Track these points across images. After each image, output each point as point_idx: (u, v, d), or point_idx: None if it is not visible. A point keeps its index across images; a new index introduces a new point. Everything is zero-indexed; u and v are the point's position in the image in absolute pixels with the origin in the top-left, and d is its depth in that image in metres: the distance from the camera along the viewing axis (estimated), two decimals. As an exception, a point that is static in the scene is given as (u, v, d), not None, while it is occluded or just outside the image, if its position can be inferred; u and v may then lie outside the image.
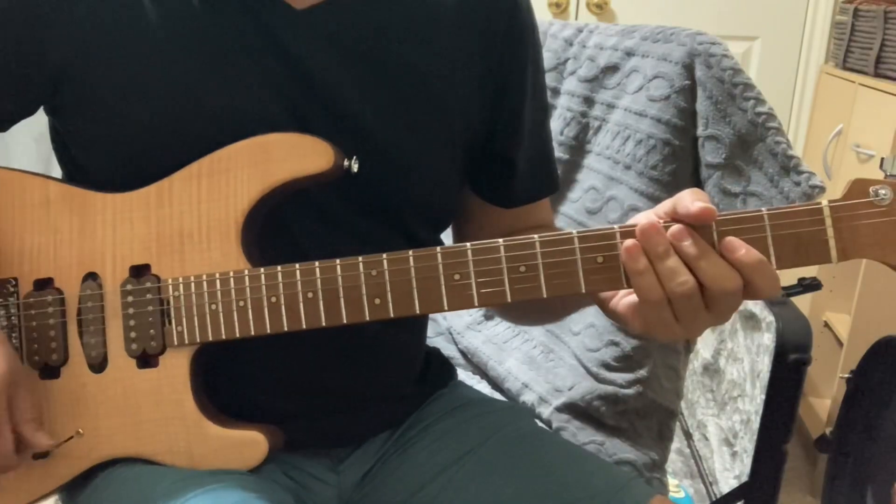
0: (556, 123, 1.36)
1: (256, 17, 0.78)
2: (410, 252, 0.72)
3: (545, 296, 0.70)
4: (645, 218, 0.68)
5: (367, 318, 0.73)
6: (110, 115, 0.78)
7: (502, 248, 0.71)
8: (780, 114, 1.12)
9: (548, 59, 1.39)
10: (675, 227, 0.66)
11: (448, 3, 0.83)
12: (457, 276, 0.71)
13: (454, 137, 0.85)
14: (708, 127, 1.12)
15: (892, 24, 1.94)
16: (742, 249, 0.65)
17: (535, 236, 0.70)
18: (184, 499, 0.71)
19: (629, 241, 0.67)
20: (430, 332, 1.41)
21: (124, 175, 0.79)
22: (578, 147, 1.32)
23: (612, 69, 1.27)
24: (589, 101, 1.31)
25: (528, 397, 1.24)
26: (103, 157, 0.80)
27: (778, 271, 0.67)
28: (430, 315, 1.44)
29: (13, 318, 0.79)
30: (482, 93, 0.85)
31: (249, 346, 0.78)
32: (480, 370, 1.35)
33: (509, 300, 0.71)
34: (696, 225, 0.67)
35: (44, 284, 0.79)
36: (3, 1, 0.77)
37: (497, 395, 1.27)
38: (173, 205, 0.78)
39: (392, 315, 0.73)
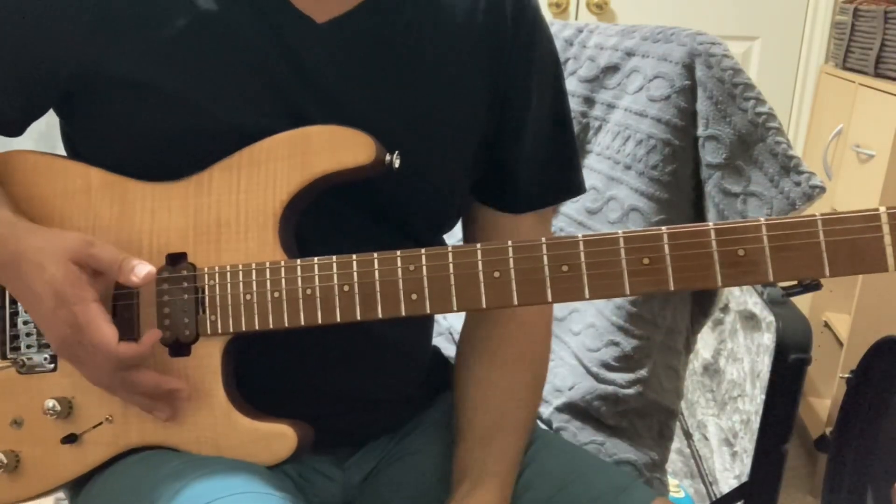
0: (556, 123, 1.36)
1: (276, 29, 0.77)
2: (450, 248, 0.72)
3: (588, 297, 0.69)
4: None
5: (403, 314, 0.72)
6: (122, 121, 0.78)
7: (544, 246, 0.69)
8: (780, 114, 1.12)
9: (548, 59, 1.39)
10: None
11: (458, 11, 0.83)
12: (496, 274, 0.70)
13: (466, 145, 0.85)
14: (708, 127, 1.12)
15: (892, 24, 1.95)
16: None
17: (579, 235, 0.69)
18: (185, 481, 0.71)
19: None
20: (430, 332, 1.42)
21: (134, 175, 0.79)
22: (579, 147, 1.32)
23: (612, 69, 1.28)
24: (589, 102, 1.31)
25: (528, 397, 1.24)
26: (113, 159, 0.80)
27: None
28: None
29: None
30: (491, 99, 0.85)
31: (259, 347, 0.78)
32: (480, 370, 1.35)
33: (550, 300, 0.70)
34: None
35: None
36: (15, 8, 0.77)
37: (497, 395, 1.27)
38: (212, 194, 0.77)
39: (429, 311, 0.72)
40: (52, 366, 0.80)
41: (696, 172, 1.16)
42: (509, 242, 0.70)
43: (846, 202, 2.01)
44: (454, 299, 0.71)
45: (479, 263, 0.71)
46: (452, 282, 0.71)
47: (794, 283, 1.47)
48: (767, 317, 1.40)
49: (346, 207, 0.81)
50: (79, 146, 0.84)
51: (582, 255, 0.69)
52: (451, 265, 0.71)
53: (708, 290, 1.21)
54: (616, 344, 1.20)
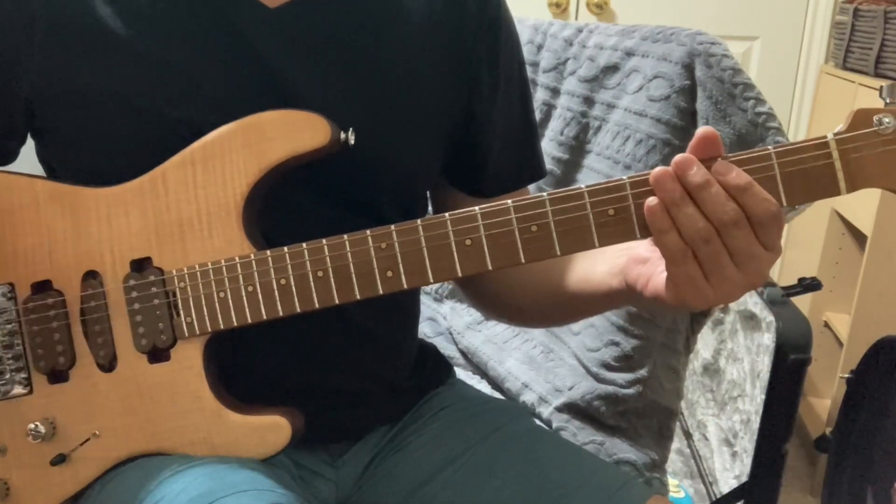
0: (556, 123, 1.36)
1: (226, 15, 0.77)
2: (419, 221, 0.72)
3: (559, 254, 0.69)
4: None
5: (381, 292, 0.72)
6: (81, 131, 0.78)
7: (512, 209, 0.70)
8: (780, 114, 1.12)
9: (548, 59, 1.39)
10: (680, 156, 0.66)
11: (419, 1, 0.84)
12: (468, 241, 0.71)
13: (432, 131, 0.86)
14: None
15: (892, 24, 1.94)
16: (732, 172, 0.65)
17: (545, 194, 0.69)
18: (186, 482, 0.71)
19: (651, 200, 0.66)
20: (430, 331, 1.42)
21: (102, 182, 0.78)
22: (578, 147, 1.32)
23: (612, 69, 1.27)
24: (589, 101, 1.31)
25: (528, 397, 1.24)
26: (83, 172, 0.79)
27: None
28: (430, 315, 1.44)
29: (13, 324, 0.77)
30: (458, 86, 0.86)
31: (239, 345, 0.78)
32: (480, 370, 1.35)
33: (523, 261, 0.70)
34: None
35: (42, 287, 0.77)
36: None
37: (497, 395, 1.27)
38: (168, 194, 0.76)
39: (406, 286, 0.72)
40: (27, 389, 0.78)
41: (696, 172, 1.16)
42: (477, 209, 0.71)
43: (846, 201, 2.01)
44: (429, 271, 0.72)
45: (450, 233, 0.71)
46: (426, 254, 0.71)
47: (795, 283, 1.47)
48: (767, 317, 1.40)
49: (313, 199, 0.81)
50: (54, 164, 0.84)
51: (549, 213, 0.69)
52: (422, 238, 0.71)
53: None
54: (616, 344, 1.20)
